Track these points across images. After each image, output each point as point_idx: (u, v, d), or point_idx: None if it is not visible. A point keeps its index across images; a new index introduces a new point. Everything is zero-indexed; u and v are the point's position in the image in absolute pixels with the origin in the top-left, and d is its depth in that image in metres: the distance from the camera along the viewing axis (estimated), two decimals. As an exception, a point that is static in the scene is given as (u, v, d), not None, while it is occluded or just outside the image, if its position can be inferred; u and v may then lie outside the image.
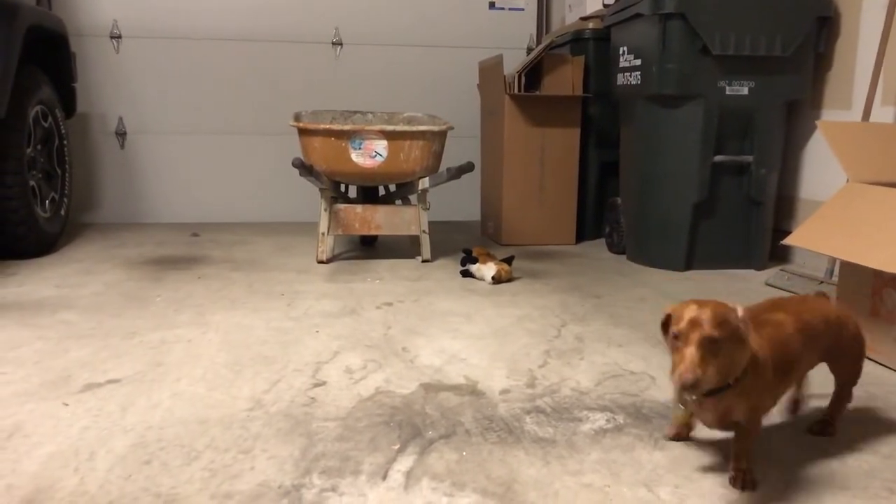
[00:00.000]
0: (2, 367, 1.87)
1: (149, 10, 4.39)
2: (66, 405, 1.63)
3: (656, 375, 1.88)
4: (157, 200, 4.57)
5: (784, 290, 2.81)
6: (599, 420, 1.60)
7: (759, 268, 3.19)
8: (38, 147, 3.41)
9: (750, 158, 3.11)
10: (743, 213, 3.18)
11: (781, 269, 2.96)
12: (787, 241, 2.07)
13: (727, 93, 3.04)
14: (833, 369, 1.50)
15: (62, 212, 3.62)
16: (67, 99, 3.79)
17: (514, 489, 1.29)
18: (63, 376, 1.81)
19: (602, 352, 2.07)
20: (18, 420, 1.55)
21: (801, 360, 1.37)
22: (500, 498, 1.26)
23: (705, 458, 1.43)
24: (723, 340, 1.16)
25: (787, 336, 1.34)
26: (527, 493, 1.28)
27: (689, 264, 3.18)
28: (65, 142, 3.70)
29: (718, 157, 3.10)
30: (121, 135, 4.49)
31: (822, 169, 3.17)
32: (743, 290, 2.84)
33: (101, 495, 1.25)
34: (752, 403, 1.26)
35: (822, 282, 2.73)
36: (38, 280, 2.86)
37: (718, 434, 1.52)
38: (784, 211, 3.34)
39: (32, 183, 3.28)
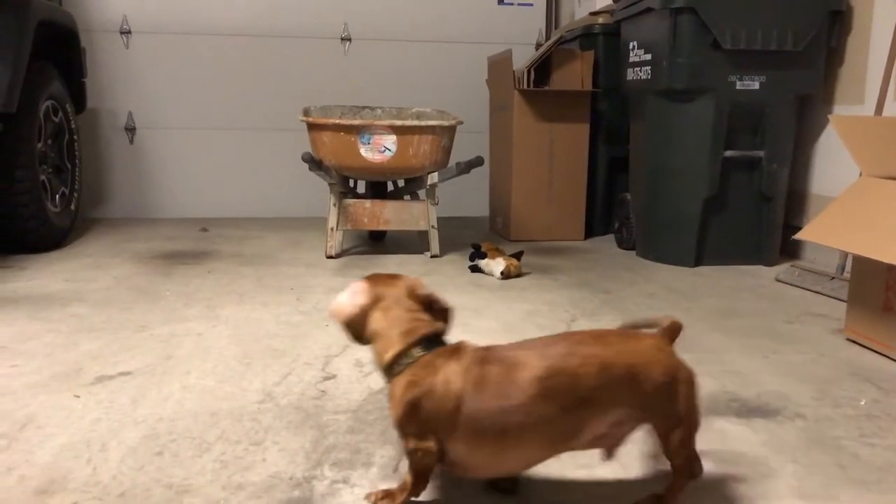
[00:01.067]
0: (14, 360, 1.88)
1: (158, 6, 4.40)
2: (78, 397, 1.63)
3: (667, 370, 1.87)
4: (166, 196, 4.58)
5: (795, 285, 2.80)
6: (610, 414, 1.59)
7: (770, 264, 3.18)
8: (49, 142, 3.42)
9: (761, 153, 3.10)
10: (753, 208, 3.16)
11: (792, 265, 2.95)
12: (800, 235, 2.05)
13: (738, 87, 3.02)
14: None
15: (72, 206, 3.63)
16: (77, 94, 3.81)
17: (524, 483, 1.29)
18: (74, 369, 1.81)
19: (612, 346, 2.06)
20: (31, 412, 1.55)
21: (545, 420, 1.07)
22: (514, 492, 1.26)
23: (721, 451, 1.42)
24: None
25: (514, 385, 1.08)
26: (537, 486, 1.28)
27: (698, 260, 3.17)
28: (75, 137, 3.71)
29: (729, 153, 3.08)
30: (130, 130, 4.50)
31: (833, 164, 3.15)
32: (753, 286, 2.83)
33: (113, 486, 1.25)
34: (405, 432, 1.11)
35: (833, 277, 2.72)
36: (48, 274, 2.87)
37: (744, 431, 1.51)
38: (795, 206, 3.32)
39: (43, 178, 3.29)
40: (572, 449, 1.15)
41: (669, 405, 1.12)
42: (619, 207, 3.67)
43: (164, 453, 1.37)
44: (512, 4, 4.72)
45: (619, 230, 3.67)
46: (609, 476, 1.32)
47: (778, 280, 2.91)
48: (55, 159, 3.50)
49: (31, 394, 1.65)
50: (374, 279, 1.22)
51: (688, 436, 1.15)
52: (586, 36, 3.89)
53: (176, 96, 4.50)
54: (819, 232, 2.03)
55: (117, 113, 4.48)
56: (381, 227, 3.36)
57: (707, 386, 1.77)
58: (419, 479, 1.16)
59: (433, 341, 1.16)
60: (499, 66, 3.92)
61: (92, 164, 4.41)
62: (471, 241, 3.30)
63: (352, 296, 1.19)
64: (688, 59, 3.00)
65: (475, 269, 3.02)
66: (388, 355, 1.15)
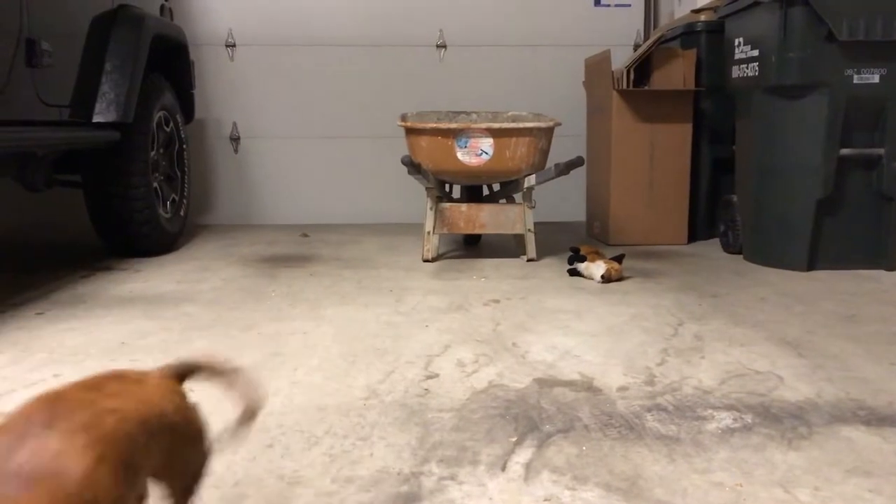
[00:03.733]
0: (133, 355, 1.96)
1: (261, 19, 4.55)
2: (192, 391, 1.68)
3: (784, 375, 1.78)
4: (269, 203, 4.72)
5: (921, 290, 2.62)
6: (726, 419, 1.52)
7: (891, 268, 2.98)
8: (161, 151, 3.57)
9: (881, 151, 2.91)
10: (872, 209, 2.98)
11: (917, 269, 2.76)
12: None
13: (855, 82, 2.85)
14: None
15: (181, 212, 3.78)
16: (186, 105, 3.96)
17: (638, 485, 1.24)
18: (187, 364, 1.87)
19: (724, 351, 1.98)
20: (148, 403, 1.61)
21: None
22: (624, 493, 1.21)
23: (848, 460, 1.33)
24: None
25: None
26: (653, 489, 1.23)
27: (811, 264, 3.00)
28: (184, 146, 3.87)
29: (845, 151, 2.91)
30: (234, 140, 4.67)
31: (962, 161, 2.93)
32: (874, 290, 2.66)
33: (227, 475, 1.27)
34: None
35: (965, 282, 2.52)
36: (160, 276, 3.00)
37: (874, 440, 1.42)
38: (918, 207, 3.11)
39: (155, 185, 3.44)
40: None
41: (182, 453, 0.92)
42: (725, 210, 3.53)
43: (274, 446, 1.39)
44: (609, 6, 4.64)
45: (724, 233, 3.53)
46: (728, 481, 1.25)
47: (901, 285, 2.73)
48: (166, 167, 3.66)
49: (148, 386, 1.71)
50: None
51: (193, 483, 0.96)
52: (688, 34, 3.77)
53: (278, 106, 4.64)
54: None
55: (222, 123, 4.65)
56: (478, 231, 3.35)
57: (829, 393, 1.66)
58: None
59: None
60: (596, 66, 3.85)
61: (198, 173, 4.58)
62: (568, 245, 3.24)
63: None
64: (799, 54, 2.86)
65: (574, 272, 2.96)
66: None
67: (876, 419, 1.52)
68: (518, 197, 3.39)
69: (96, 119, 3.04)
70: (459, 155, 3.16)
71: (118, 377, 0.88)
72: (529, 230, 3.28)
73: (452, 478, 1.26)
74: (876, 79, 2.85)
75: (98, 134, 3.03)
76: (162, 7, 3.78)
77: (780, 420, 1.51)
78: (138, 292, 2.70)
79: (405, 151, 3.26)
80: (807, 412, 1.56)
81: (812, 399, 1.63)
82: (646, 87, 3.66)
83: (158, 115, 3.51)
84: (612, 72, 3.63)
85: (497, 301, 2.55)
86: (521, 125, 3.16)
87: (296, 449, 1.37)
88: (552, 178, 3.24)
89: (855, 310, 2.40)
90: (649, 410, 1.57)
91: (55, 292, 2.70)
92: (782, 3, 2.83)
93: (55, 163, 3.13)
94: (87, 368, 1.84)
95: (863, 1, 2.76)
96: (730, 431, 1.46)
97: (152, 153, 3.42)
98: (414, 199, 4.39)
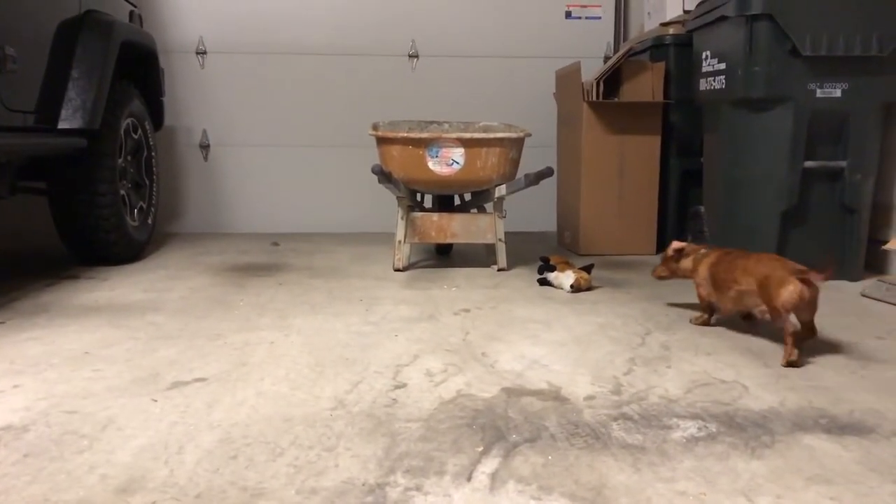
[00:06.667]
0: (96, 365, 1.93)
1: (233, 27, 4.53)
2: (156, 401, 1.66)
3: (748, 385, 1.80)
4: (239, 211, 4.68)
5: (883, 301, 2.66)
6: (691, 428, 1.53)
7: (854, 279, 3.03)
8: (129, 158, 3.53)
9: (843, 164, 2.97)
10: (836, 221, 3.03)
11: (879, 280, 2.81)
12: (892, 244, 1.95)
13: (818, 95, 2.91)
14: None
15: (149, 220, 3.74)
16: (156, 112, 3.92)
17: (604, 494, 1.25)
18: (152, 374, 1.85)
19: (690, 360, 2.00)
20: (111, 414, 1.59)
21: None
22: (589, 503, 1.22)
23: (809, 469, 1.35)
24: None
25: None
26: (618, 498, 1.23)
27: (777, 274, 3.05)
28: (153, 153, 3.83)
29: (809, 163, 2.97)
30: (204, 147, 4.63)
31: (922, 174, 3.01)
32: (837, 300, 2.71)
33: (190, 487, 1.26)
34: None
35: (924, 292, 2.58)
36: (127, 285, 2.96)
37: (835, 448, 1.44)
38: (880, 219, 3.17)
39: (123, 192, 3.40)
40: None
41: None
42: (693, 221, 3.58)
43: (238, 457, 1.37)
44: (579, 18, 4.69)
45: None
46: (692, 490, 1.26)
47: (864, 295, 2.77)
48: (134, 175, 3.61)
49: (111, 397, 1.69)
50: None
51: None
52: (657, 47, 3.82)
53: (249, 114, 4.61)
54: (912, 242, 1.93)
55: (192, 130, 4.61)
56: (449, 241, 3.35)
57: (792, 401, 1.69)
58: None
59: None
60: (567, 78, 3.89)
61: (168, 181, 4.54)
62: (538, 254, 3.25)
63: None
64: (765, 67, 2.91)
65: (544, 282, 2.97)
66: None
67: (837, 427, 1.54)
68: (489, 207, 3.41)
69: (62, 125, 3.00)
70: (430, 164, 3.16)
71: None
72: (500, 240, 3.29)
73: (418, 488, 1.26)
74: (838, 93, 2.91)
75: (64, 140, 2.99)
76: (131, 14, 3.74)
77: (744, 429, 1.53)
78: (104, 301, 2.67)
79: (377, 161, 3.26)
80: (770, 421, 1.58)
81: (775, 408, 1.65)
82: (615, 100, 3.70)
83: (126, 122, 3.47)
84: (583, 83, 3.67)
85: (467, 310, 2.55)
86: (491, 135, 3.18)
87: (260, 460, 1.36)
88: (522, 189, 3.26)
89: (819, 320, 2.42)
90: (615, 419, 1.58)
91: (17, 301, 2.65)
92: (748, 17, 2.88)
93: (19, 169, 3.08)
94: (48, 379, 1.81)
95: (825, 17, 2.82)
96: (694, 440, 1.47)
97: (120, 160, 3.38)
98: (386, 208, 4.37)
